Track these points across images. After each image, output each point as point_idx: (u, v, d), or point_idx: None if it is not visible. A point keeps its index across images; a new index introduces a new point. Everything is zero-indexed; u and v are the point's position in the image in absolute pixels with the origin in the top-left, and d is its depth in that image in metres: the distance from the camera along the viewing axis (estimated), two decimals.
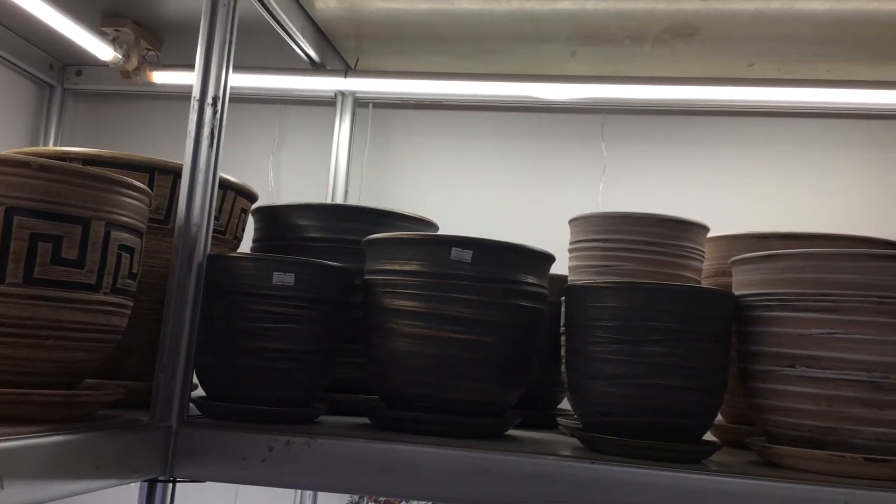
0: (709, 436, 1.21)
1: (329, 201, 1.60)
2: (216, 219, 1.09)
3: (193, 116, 0.96)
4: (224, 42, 0.98)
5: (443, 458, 0.88)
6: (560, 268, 1.24)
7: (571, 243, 1.27)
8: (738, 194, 1.59)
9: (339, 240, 1.18)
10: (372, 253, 1.06)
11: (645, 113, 1.65)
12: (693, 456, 0.94)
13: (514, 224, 1.62)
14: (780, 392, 0.94)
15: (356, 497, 1.56)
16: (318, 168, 1.68)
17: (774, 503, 0.82)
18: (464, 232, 1.01)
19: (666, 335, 0.93)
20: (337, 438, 0.90)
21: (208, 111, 0.96)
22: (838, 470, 0.89)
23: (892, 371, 0.88)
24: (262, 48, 1.53)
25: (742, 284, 1.02)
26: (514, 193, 1.68)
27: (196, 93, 0.96)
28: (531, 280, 1.03)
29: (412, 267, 1.00)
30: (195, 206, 0.95)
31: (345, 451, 0.89)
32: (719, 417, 1.26)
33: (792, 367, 0.92)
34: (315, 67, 1.56)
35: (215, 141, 0.96)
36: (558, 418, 1.20)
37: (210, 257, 0.97)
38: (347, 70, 1.59)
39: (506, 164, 1.69)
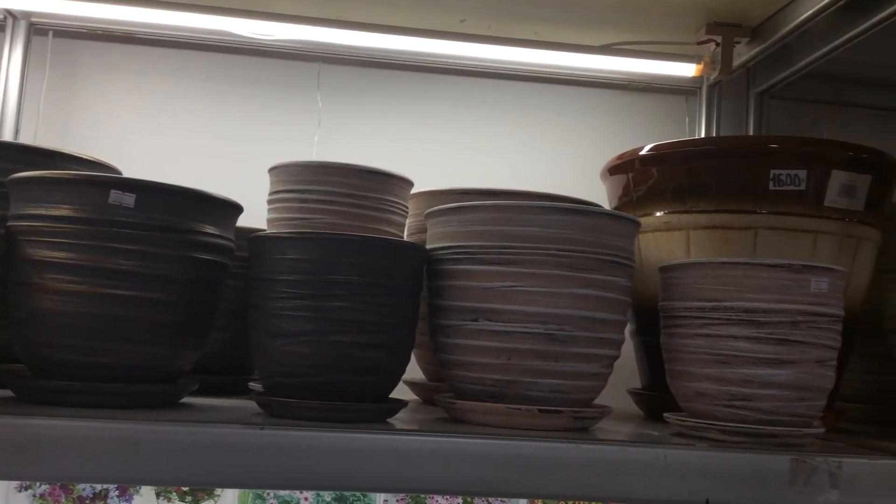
0: (408, 394, 1.19)
1: None
2: None
3: None
4: None
5: (85, 433, 0.76)
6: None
7: (270, 194, 1.18)
8: (451, 152, 1.59)
9: None
10: (17, 195, 0.90)
11: (362, 65, 1.59)
12: (375, 415, 0.90)
13: (222, 175, 1.49)
14: (463, 346, 0.92)
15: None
16: None
17: (446, 459, 0.80)
18: None
19: (350, 289, 0.88)
20: None
21: None
22: (515, 422, 0.89)
23: (567, 323, 0.89)
24: None
25: (434, 238, 0.99)
26: (224, 142, 1.55)
27: None
28: (211, 230, 0.93)
29: (62, 212, 0.86)
30: None
31: None
32: (421, 375, 1.25)
33: (475, 321, 0.91)
34: None
35: None
36: (251, 383, 1.12)
37: None
38: None
39: (214, 110, 1.56)
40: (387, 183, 1.16)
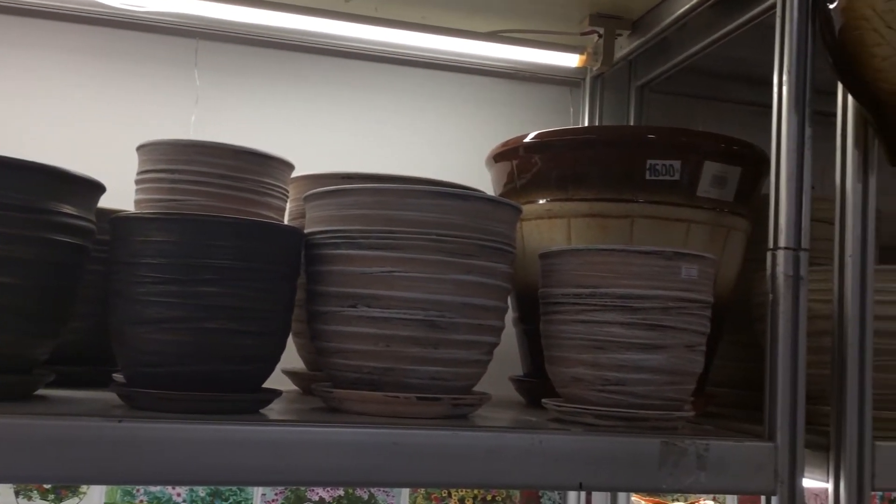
0: (288, 385, 1.16)
1: None
2: None
3: None
4: None
5: None
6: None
7: (138, 174, 1.12)
8: (335, 136, 1.55)
9: None
10: None
11: (243, 43, 1.53)
12: (247, 405, 0.86)
13: (92, 154, 1.40)
14: (341, 333, 0.90)
15: None
16: None
17: (320, 449, 0.77)
18: None
19: (220, 273, 0.84)
20: None
21: None
22: (393, 410, 0.87)
23: (446, 310, 0.88)
24: None
25: (313, 221, 0.96)
26: (94, 120, 1.46)
27: None
28: (69, 210, 0.86)
29: None
30: None
31: None
32: (301, 365, 1.21)
33: (354, 307, 0.88)
34: None
35: None
36: (115, 375, 1.06)
37: None
38: None
39: (81, 85, 1.46)
40: (265, 165, 1.11)
